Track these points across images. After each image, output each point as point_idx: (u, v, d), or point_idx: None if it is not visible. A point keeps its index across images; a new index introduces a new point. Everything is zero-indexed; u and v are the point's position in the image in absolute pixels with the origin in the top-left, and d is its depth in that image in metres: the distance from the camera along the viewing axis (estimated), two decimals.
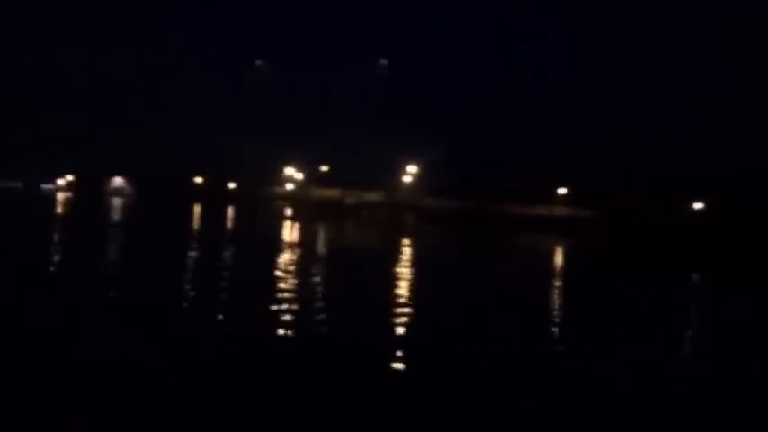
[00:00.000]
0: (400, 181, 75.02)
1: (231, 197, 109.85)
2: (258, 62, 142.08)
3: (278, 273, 17.95)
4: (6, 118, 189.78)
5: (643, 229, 51.45)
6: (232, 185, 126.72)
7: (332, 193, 76.46)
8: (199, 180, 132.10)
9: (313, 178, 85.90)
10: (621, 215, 58.10)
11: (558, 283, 20.11)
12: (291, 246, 28.66)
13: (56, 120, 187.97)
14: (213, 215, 56.70)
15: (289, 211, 69.68)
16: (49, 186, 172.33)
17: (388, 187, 72.77)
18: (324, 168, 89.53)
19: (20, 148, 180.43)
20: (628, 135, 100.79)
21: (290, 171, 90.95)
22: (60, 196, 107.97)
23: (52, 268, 17.61)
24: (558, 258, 31.37)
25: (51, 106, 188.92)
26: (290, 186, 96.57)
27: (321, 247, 30.02)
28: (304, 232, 39.80)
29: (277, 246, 27.79)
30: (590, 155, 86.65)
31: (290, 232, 39.18)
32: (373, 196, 70.50)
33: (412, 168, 74.98)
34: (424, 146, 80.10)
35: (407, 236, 39.41)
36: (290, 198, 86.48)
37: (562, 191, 72.73)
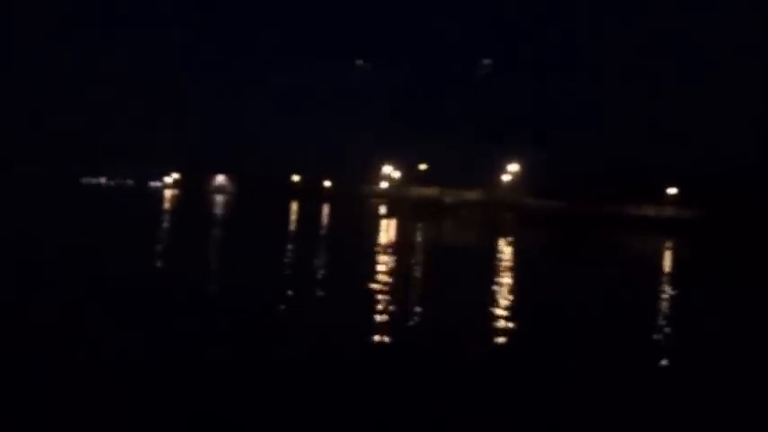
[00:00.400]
0: (500, 180, 73.80)
1: (327, 195, 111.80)
2: (358, 62, 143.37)
3: (376, 271, 17.90)
4: (122, 120, 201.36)
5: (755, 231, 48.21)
6: (327, 183, 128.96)
7: (430, 191, 75.88)
8: (296, 178, 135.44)
9: (411, 177, 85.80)
10: (730, 215, 54.79)
11: (669, 288, 19.03)
12: (389, 244, 28.63)
13: (164, 120, 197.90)
14: (309, 213, 57.64)
15: (383, 210, 69.94)
16: (157, 184, 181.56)
17: (488, 186, 71.68)
18: (422, 167, 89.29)
19: (133, 149, 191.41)
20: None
21: (387, 169, 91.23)
22: (167, 193, 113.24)
23: (159, 263, 18.30)
24: (667, 261, 29.89)
25: (163, 108, 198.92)
26: (384, 185, 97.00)
27: (420, 246, 29.87)
28: (402, 230, 39.79)
29: (375, 244, 27.83)
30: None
31: (387, 230, 39.26)
32: (472, 195, 69.49)
33: (512, 167, 73.53)
34: (524, 145, 78.67)
35: (508, 235, 38.68)
36: (386, 196, 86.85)
37: (671, 190, 69.78)
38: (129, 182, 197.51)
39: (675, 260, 30.53)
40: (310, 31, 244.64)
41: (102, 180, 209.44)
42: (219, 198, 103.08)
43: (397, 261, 20.80)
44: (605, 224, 53.70)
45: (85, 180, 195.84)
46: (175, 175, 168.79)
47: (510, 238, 36.33)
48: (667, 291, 17.91)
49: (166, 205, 61.75)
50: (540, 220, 56.67)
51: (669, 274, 23.48)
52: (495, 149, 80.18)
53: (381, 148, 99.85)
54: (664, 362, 9.56)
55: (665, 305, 15.49)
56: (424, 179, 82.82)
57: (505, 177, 73.51)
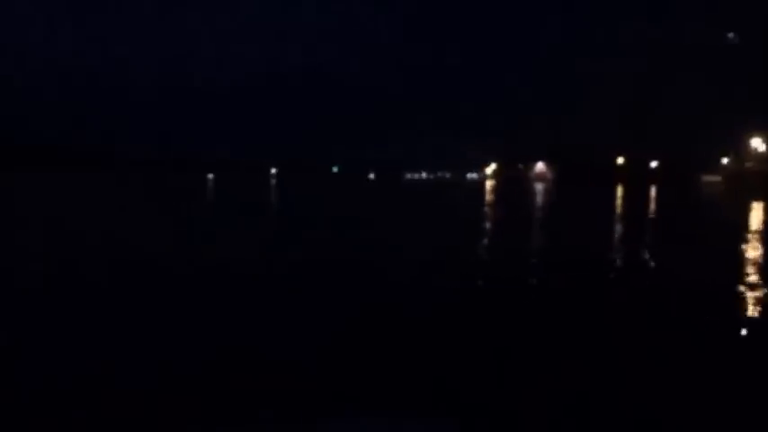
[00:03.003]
0: None
1: (654, 177, 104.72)
2: (730, 35, 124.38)
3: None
4: (432, 120, 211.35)
5: None
6: (654, 164, 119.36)
7: None
8: (620, 161, 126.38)
9: None
10: None
11: None
12: None
13: (479, 116, 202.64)
14: (632, 199, 51.84)
15: (725, 190, 59.61)
16: (473, 176, 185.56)
17: None
18: None
19: (449, 142, 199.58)
20: None
21: (755, 142, 75.29)
22: (487, 184, 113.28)
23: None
24: None
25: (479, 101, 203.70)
26: (726, 161, 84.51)
27: None
28: None
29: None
30: None
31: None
32: None
33: None
34: None
35: None
36: (737, 175, 73.08)
37: None
38: (447, 175, 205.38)
39: None
40: None
41: (423, 175, 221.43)
42: (539, 186, 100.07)
43: None
44: None
45: (408, 175, 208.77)
46: (493, 166, 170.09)
47: None
48: None
49: (488, 196, 58.61)
50: None
51: None
52: None
53: (733, 121, 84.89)
54: None
55: None
56: None
57: None
